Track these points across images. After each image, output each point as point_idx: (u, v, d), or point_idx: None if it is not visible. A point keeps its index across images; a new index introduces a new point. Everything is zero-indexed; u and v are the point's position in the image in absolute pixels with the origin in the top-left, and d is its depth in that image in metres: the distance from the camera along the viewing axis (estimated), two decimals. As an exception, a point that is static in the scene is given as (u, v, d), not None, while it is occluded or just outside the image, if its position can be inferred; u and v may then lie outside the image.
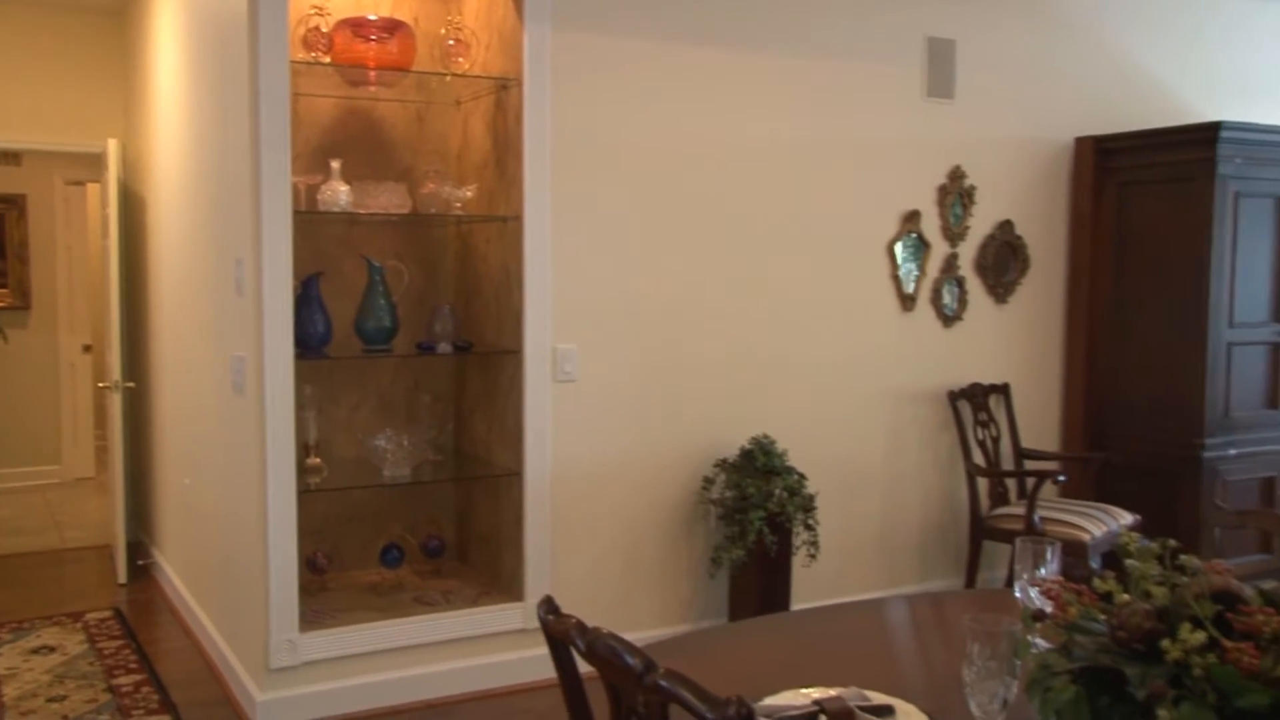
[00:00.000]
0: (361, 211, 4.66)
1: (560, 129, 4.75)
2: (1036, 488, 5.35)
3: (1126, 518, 5.46)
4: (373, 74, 4.74)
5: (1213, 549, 2.91)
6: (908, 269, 5.70)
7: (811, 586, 5.21)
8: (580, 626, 1.79)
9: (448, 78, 4.85)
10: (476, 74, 4.88)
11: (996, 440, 5.88)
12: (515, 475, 4.79)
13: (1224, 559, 2.15)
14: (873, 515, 5.68)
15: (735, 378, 5.25)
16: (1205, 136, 5.71)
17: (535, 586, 4.74)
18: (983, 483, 5.73)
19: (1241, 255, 5.84)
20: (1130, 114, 6.33)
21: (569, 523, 4.88)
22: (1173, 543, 1.95)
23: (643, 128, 4.97)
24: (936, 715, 2.02)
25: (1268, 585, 1.83)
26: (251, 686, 4.37)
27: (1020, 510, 5.41)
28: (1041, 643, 2.05)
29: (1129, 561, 1.93)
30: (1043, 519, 5.28)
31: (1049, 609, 2.04)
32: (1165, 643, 1.75)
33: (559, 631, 1.82)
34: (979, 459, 5.80)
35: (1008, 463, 5.95)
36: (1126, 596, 1.91)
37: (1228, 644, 1.70)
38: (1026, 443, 6.06)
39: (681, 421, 5.13)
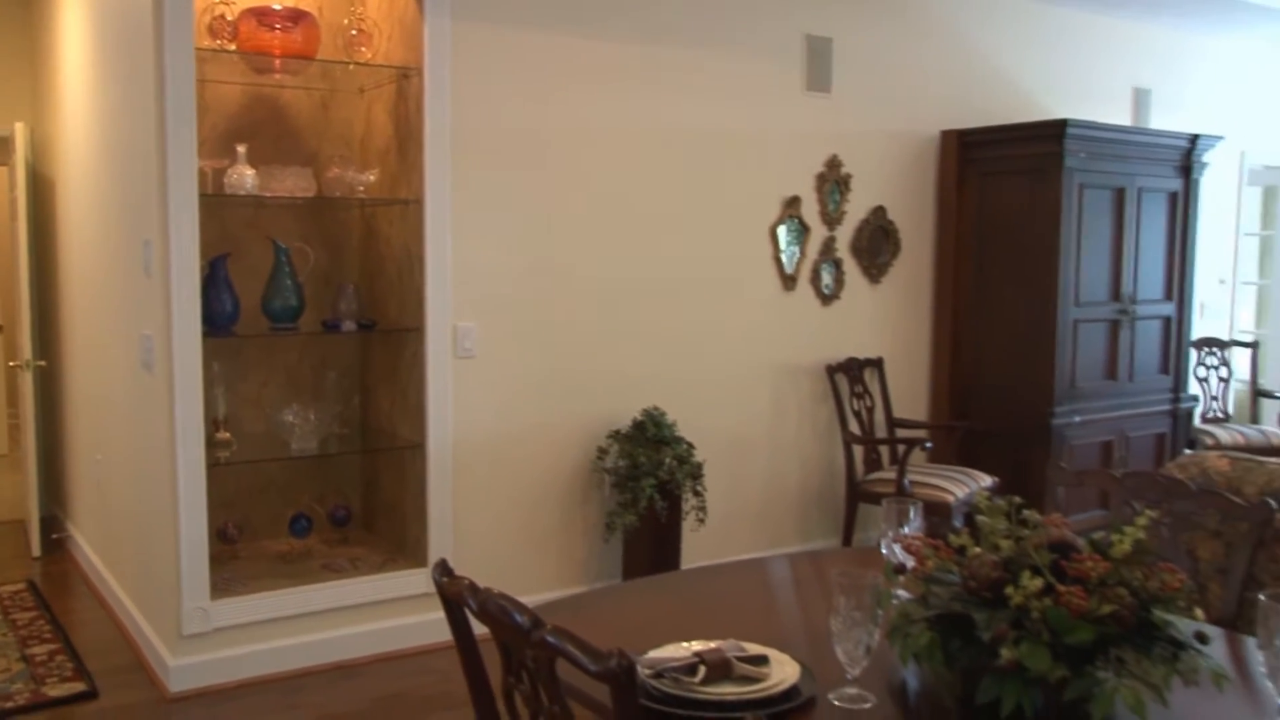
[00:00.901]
0: (267, 195, 4.59)
1: (459, 116, 4.72)
2: (906, 454, 5.48)
3: (986, 480, 5.62)
4: (278, 62, 4.66)
5: (1057, 507, 3.01)
6: (789, 251, 5.78)
7: (700, 549, 5.27)
8: (472, 587, 1.80)
9: (351, 66, 4.79)
10: (379, 63, 4.83)
11: (871, 410, 6.00)
12: (418, 447, 4.78)
13: (1067, 515, 2.24)
14: (757, 481, 5.76)
15: (628, 353, 5.28)
16: (1053, 132, 5.89)
17: (438, 552, 4.73)
18: (858, 449, 5.84)
19: (1085, 241, 6.05)
20: (989, 110, 6.50)
21: (470, 491, 4.87)
22: (1018, 500, 2.03)
23: (540, 115, 4.96)
24: (807, 663, 2.07)
25: (1098, 535, 1.92)
26: (164, 652, 4.31)
27: (892, 474, 5.54)
28: (903, 594, 2.12)
29: (979, 518, 2.01)
30: (912, 482, 5.41)
31: (910, 563, 2.12)
32: (1009, 589, 1.83)
33: (453, 592, 1.84)
34: (855, 428, 5.91)
35: (881, 431, 6.08)
36: (978, 550, 1.99)
37: (1061, 588, 1.79)
38: (898, 413, 6.19)
39: (576, 394, 5.14)
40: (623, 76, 5.17)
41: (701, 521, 5.13)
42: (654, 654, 2.05)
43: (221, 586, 4.42)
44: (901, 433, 6.03)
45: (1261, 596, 1.85)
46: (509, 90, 4.88)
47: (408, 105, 4.76)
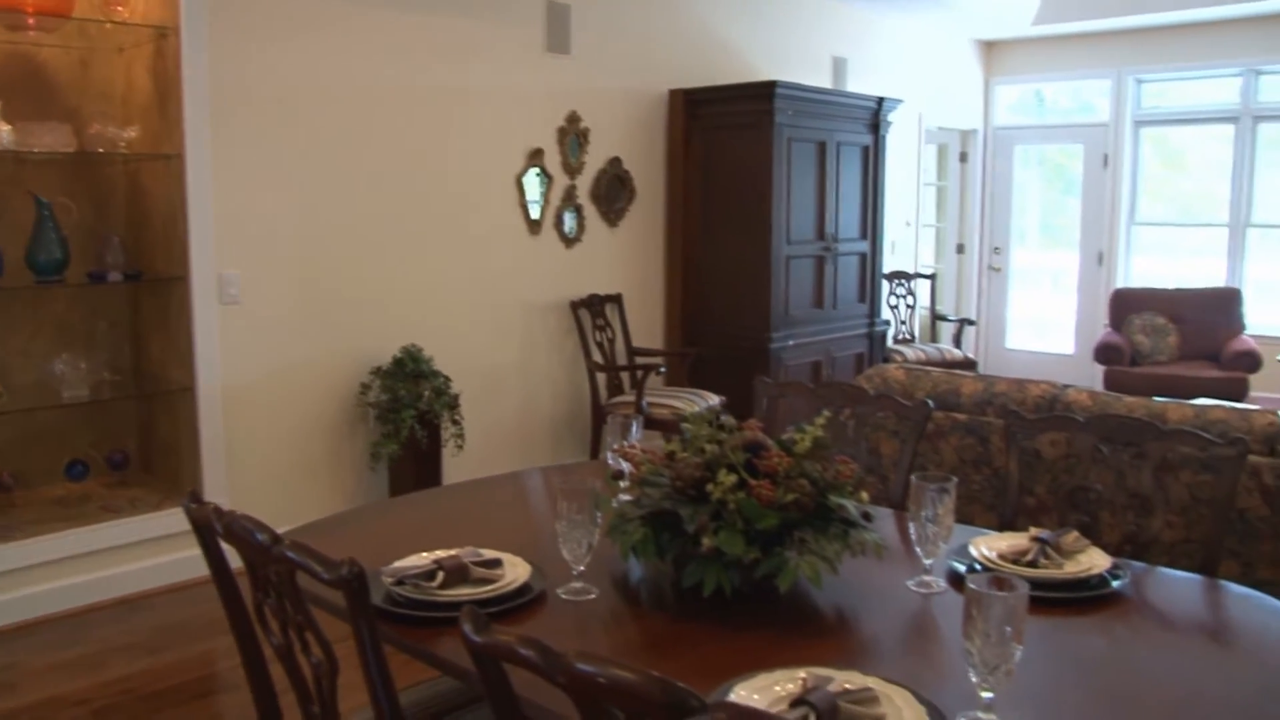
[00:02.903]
0: (25, 150, 4.23)
1: (218, 73, 4.46)
2: (644, 379, 5.57)
3: (714, 399, 5.77)
4: (31, 19, 4.26)
5: (762, 416, 3.13)
6: (534, 198, 5.75)
7: (461, 471, 5.22)
8: (217, 511, 1.72)
9: (108, 25, 4.45)
10: (136, 22, 4.50)
11: (612, 341, 6.06)
12: (189, 390, 4.54)
13: (786, 424, 2.31)
14: (511, 408, 5.75)
15: (387, 295, 5.16)
16: (765, 92, 6.04)
17: (213, 489, 4.54)
18: (601, 376, 5.91)
19: (794, 187, 6.26)
20: (712, 72, 6.61)
21: (243, 429, 4.68)
22: (719, 409, 2.08)
23: (298, 73, 4.75)
24: (539, 563, 2.08)
25: (786, 435, 1.99)
26: (-56, 600, 4.00)
27: (632, 397, 5.62)
28: (626, 497, 2.15)
29: (684, 426, 2.06)
30: (649, 403, 5.51)
31: (628, 469, 2.15)
32: (710, 486, 1.88)
33: (200, 518, 1.75)
34: (598, 357, 5.97)
35: (622, 360, 6.15)
36: (684, 454, 2.03)
37: (752, 482, 1.85)
38: (636, 342, 6.28)
39: (340, 335, 5.00)
40: (378, 38, 5.00)
41: (460, 447, 5.09)
42: (398, 564, 2.01)
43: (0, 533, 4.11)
44: (640, 360, 6.11)
45: (913, 478, 1.97)
46: (267, 49, 4.64)
47: (166, 63, 4.45)
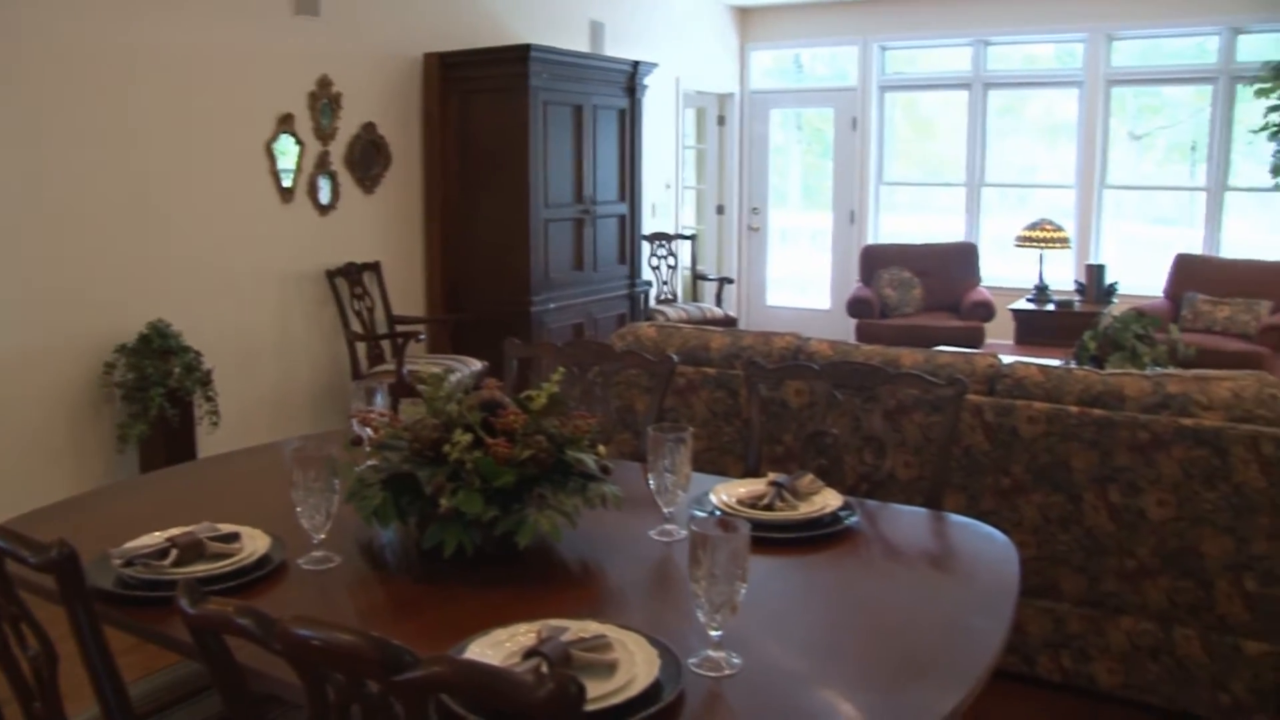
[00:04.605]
0: None
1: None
2: (404, 346, 5.48)
3: (477, 364, 5.75)
4: None
5: (514, 377, 3.16)
6: (286, 166, 5.54)
7: (218, 448, 4.95)
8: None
9: None
10: None
11: (371, 310, 5.93)
12: (-99, 376, 4.18)
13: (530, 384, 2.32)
14: (269, 381, 5.55)
15: (131, 268, 4.86)
16: (519, 56, 6.03)
17: (-65, 480, 4.20)
18: (362, 345, 5.78)
19: (551, 151, 6.28)
20: (468, 35, 6.53)
21: (-32, 418, 4.34)
22: (455, 373, 2.09)
23: (21, 28, 4.37)
24: (281, 534, 2.04)
25: (525, 394, 2.02)
26: None
27: (393, 366, 5.53)
28: (372, 462, 2.13)
29: (421, 387, 2.05)
30: (410, 371, 5.43)
31: (369, 434, 2.13)
32: (446, 447, 1.89)
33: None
34: (357, 327, 5.83)
35: (382, 328, 6.02)
36: (421, 416, 2.03)
37: (489, 441, 1.87)
38: (397, 310, 6.16)
39: (79, 312, 4.68)
40: (102, -6, 4.69)
41: (215, 424, 4.89)
42: (128, 544, 1.93)
43: None
44: (401, 328, 6.00)
45: (649, 430, 2.04)
46: (-28, 4, 4.27)
47: None
